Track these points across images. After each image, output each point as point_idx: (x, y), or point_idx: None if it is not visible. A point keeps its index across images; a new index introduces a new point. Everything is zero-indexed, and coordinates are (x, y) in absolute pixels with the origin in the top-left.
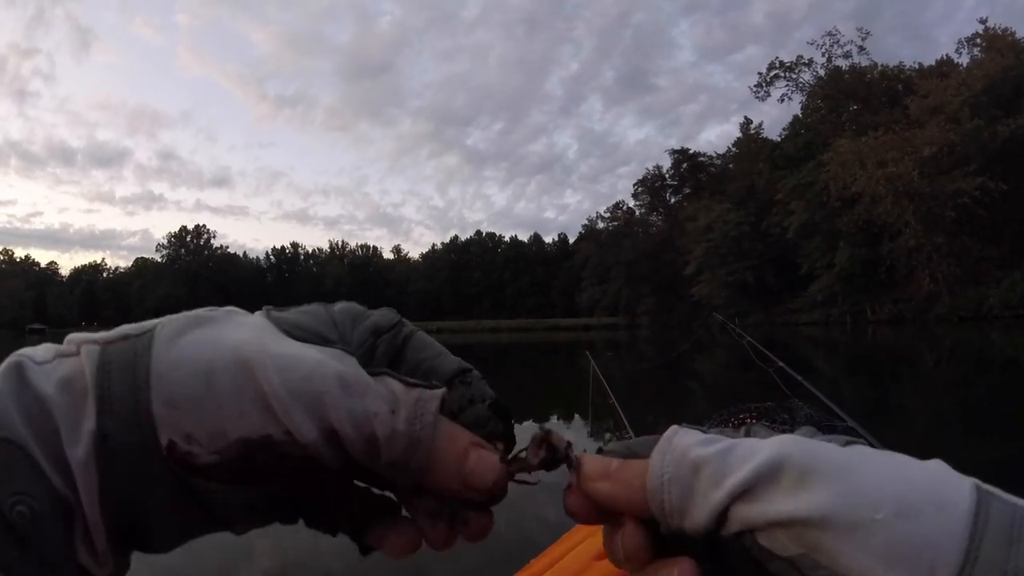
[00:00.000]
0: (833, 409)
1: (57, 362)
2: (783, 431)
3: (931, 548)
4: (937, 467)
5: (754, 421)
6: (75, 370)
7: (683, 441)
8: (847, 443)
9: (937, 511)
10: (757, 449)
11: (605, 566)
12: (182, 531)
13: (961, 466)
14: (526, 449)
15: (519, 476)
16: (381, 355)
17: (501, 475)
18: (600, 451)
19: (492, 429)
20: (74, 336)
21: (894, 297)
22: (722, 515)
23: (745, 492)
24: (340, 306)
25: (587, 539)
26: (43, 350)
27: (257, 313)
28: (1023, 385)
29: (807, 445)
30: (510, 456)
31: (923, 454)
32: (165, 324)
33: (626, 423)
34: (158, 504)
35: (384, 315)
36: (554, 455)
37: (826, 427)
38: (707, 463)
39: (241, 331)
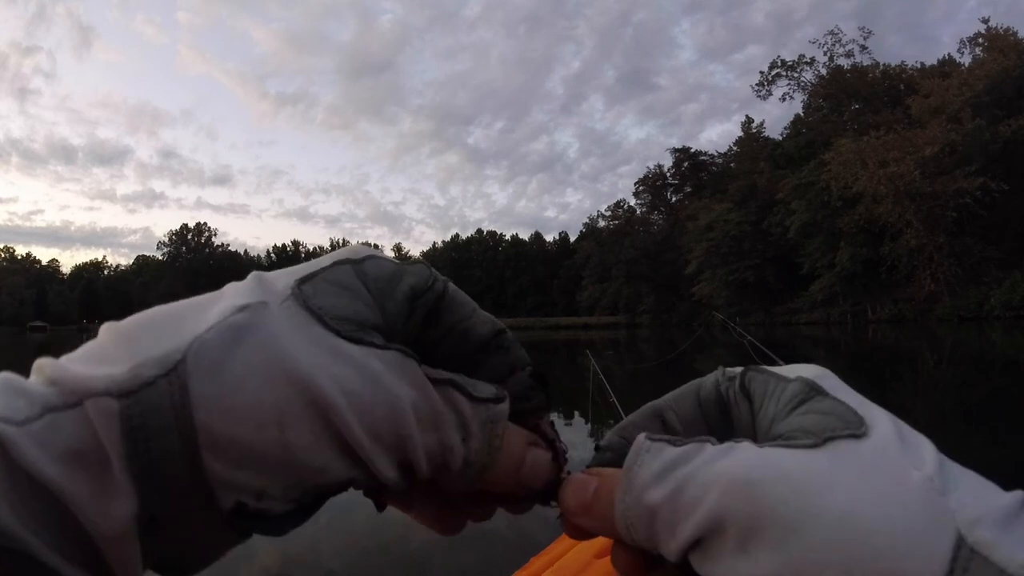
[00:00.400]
0: None
1: (48, 421)
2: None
3: None
4: (916, 510)
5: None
6: (80, 435)
7: (639, 478)
8: (826, 440)
9: None
10: (704, 493)
11: (605, 564)
12: (220, 554)
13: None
14: None
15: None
16: (417, 318)
17: (553, 471)
18: (597, 447)
19: (537, 402)
20: (63, 375)
21: (895, 297)
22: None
23: (696, 545)
24: (372, 269)
25: None
26: (23, 401)
27: (288, 299)
28: (1023, 386)
29: (755, 489)
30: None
31: None
32: (196, 351)
33: None
34: (205, 544)
35: (418, 273)
36: (543, 491)
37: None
38: (659, 509)
39: (292, 347)
